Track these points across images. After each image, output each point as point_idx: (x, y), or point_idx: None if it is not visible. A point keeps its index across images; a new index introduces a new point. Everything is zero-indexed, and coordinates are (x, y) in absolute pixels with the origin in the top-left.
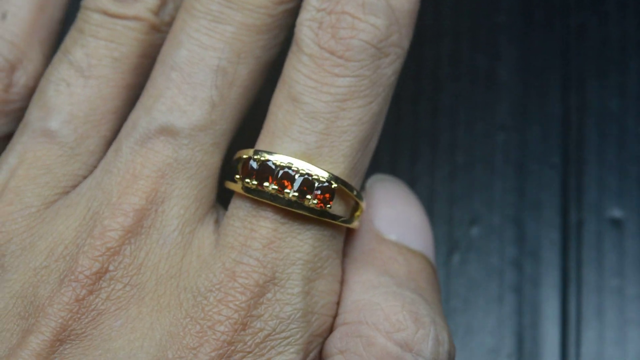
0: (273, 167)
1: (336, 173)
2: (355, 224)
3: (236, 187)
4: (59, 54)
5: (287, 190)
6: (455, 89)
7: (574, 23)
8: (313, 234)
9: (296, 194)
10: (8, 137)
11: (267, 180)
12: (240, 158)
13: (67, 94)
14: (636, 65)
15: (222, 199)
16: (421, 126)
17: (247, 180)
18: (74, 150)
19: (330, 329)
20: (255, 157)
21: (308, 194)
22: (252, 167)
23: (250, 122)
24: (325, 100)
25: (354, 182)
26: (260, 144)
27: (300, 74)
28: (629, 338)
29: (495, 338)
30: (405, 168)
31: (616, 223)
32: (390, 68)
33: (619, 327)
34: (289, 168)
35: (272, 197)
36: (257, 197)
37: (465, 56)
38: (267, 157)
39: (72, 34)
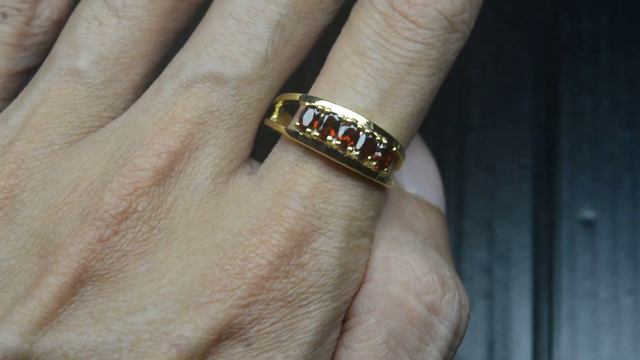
0: (338, 120)
1: (394, 135)
2: (392, 184)
3: (282, 129)
4: None
5: (349, 148)
6: None
7: (545, 19)
8: (363, 191)
9: (357, 152)
10: (27, 71)
11: (330, 134)
12: (288, 102)
13: (98, 33)
14: (608, 61)
15: None
16: None
17: (308, 130)
18: (101, 91)
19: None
20: (318, 105)
21: (369, 154)
22: (314, 116)
23: None
24: (394, 60)
25: (405, 149)
26: (318, 92)
27: (371, 30)
28: (602, 342)
29: (465, 346)
30: None
31: (588, 224)
32: (456, 45)
33: (592, 331)
34: (354, 125)
35: (330, 151)
36: (313, 148)
37: None
38: (332, 109)
39: None
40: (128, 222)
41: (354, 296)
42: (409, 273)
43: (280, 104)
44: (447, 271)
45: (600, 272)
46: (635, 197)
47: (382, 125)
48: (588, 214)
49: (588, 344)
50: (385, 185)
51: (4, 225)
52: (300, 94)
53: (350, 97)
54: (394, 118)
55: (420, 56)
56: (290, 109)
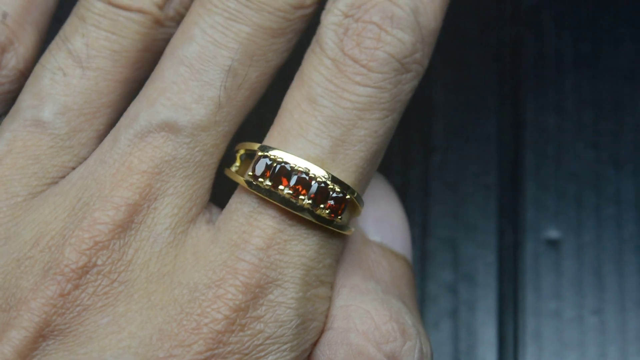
0: (289, 170)
1: (347, 182)
2: (352, 231)
3: (239, 179)
4: (57, 41)
5: (301, 197)
6: None
7: (509, 38)
8: (318, 239)
9: (310, 201)
10: None
11: (282, 183)
12: (249, 151)
13: (63, 84)
14: (572, 81)
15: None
16: None
17: (261, 179)
18: (65, 142)
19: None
20: (270, 155)
21: (322, 202)
22: (266, 166)
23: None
24: (344, 106)
25: (362, 194)
26: (271, 141)
27: (322, 77)
28: None
29: None
30: None
31: (553, 244)
32: (409, 85)
33: (557, 351)
34: (306, 174)
35: (283, 200)
36: (267, 197)
37: None
38: (284, 158)
39: (72, 21)
40: (88, 276)
41: (314, 345)
42: (369, 322)
43: (241, 152)
44: (409, 320)
45: (565, 292)
46: (599, 217)
47: (334, 173)
48: (553, 233)
49: None
50: (343, 232)
51: None
52: (258, 144)
53: (301, 146)
54: (346, 165)
55: (371, 100)
56: (253, 156)
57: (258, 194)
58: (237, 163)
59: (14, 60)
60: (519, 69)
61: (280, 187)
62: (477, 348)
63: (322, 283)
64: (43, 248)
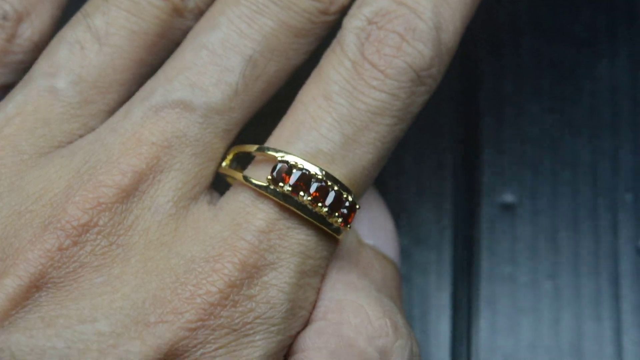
0: (309, 178)
1: (352, 182)
2: (343, 236)
3: (237, 175)
4: (78, 16)
5: (319, 204)
6: None
7: None
8: (318, 233)
9: (326, 209)
10: (4, 87)
11: (303, 190)
12: (263, 155)
13: (79, 56)
14: (530, 44)
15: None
16: None
17: (281, 184)
18: (76, 110)
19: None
20: (291, 162)
21: (337, 211)
22: (287, 173)
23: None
24: (359, 107)
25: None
26: (283, 130)
27: (340, 76)
28: (521, 326)
29: None
30: None
31: (508, 208)
32: (421, 98)
33: (511, 315)
34: (325, 182)
35: (300, 206)
36: (284, 203)
37: None
38: (304, 165)
39: (94, 0)
40: (88, 235)
41: (300, 333)
42: (363, 316)
43: (232, 155)
44: (400, 319)
45: (519, 257)
46: (555, 182)
47: (343, 171)
48: (508, 197)
49: (507, 328)
50: (337, 236)
51: None
52: (275, 150)
53: (313, 139)
54: (355, 164)
55: (384, 106)
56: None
57: (274, 198)
58: (226, 163)
59: (29, 31)
60: (476, 33)
61: (301, 193)
62: (431, 313)
63: (315, 274)
64: (45, 203)
